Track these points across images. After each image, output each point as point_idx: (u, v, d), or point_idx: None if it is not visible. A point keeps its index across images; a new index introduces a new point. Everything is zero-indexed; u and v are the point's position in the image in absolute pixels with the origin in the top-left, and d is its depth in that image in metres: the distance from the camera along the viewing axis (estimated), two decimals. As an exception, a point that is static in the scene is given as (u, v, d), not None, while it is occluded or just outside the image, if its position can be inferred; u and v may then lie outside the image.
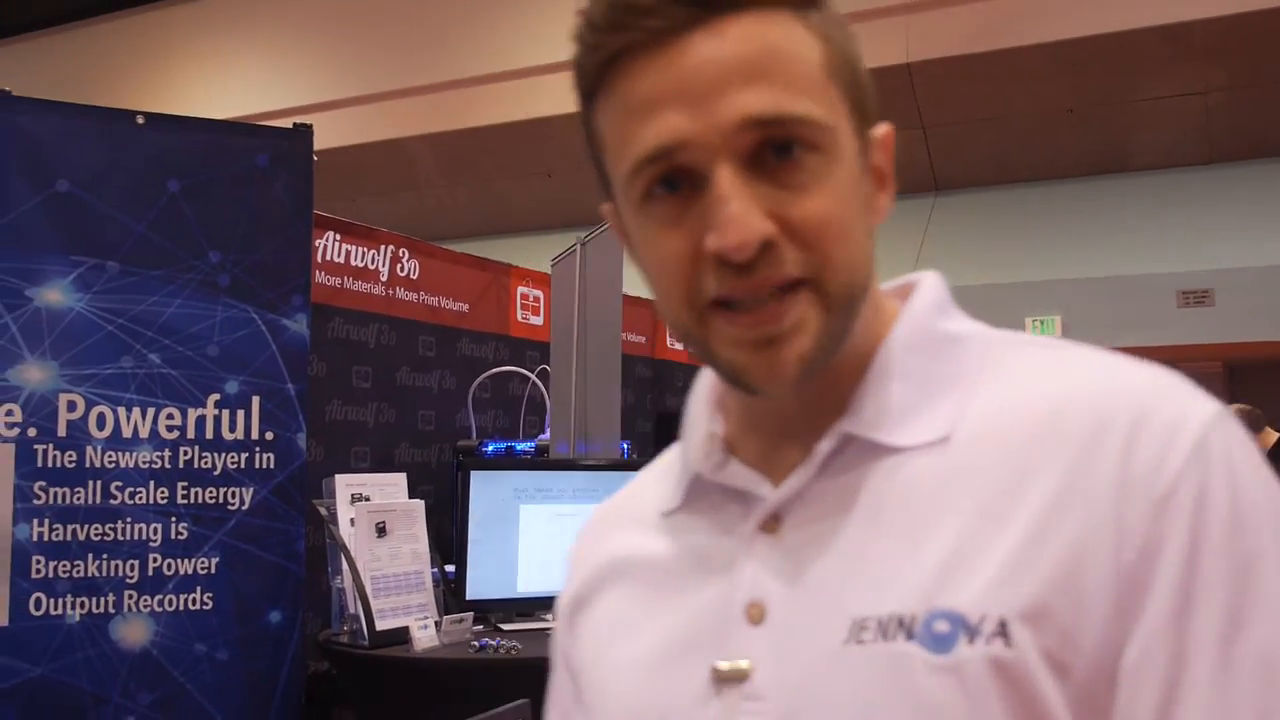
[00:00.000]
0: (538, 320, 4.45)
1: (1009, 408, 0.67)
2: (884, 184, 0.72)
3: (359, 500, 2.64)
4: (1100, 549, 0.61)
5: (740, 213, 0.63)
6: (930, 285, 0.76)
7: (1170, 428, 0.62)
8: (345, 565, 2.56)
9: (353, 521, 2.60)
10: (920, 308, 0.73)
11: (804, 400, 0.71)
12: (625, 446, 3.82)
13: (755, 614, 0.68)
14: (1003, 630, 0.60)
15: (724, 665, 0.68)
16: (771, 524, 0.70)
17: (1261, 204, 8.12)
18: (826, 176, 0.65)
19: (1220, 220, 8.11)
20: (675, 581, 0.74)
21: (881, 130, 0.71)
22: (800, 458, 0.70)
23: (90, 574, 2.42)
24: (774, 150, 0.64)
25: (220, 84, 8.71)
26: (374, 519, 2.59)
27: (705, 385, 0.79)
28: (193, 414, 2.55)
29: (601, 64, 0.66)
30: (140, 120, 2.59)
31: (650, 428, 5.26)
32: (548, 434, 3.70)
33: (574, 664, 0.81)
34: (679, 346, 5.77)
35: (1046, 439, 0.64)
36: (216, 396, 2.58)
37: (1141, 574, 0.60)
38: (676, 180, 0.65)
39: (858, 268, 0.67)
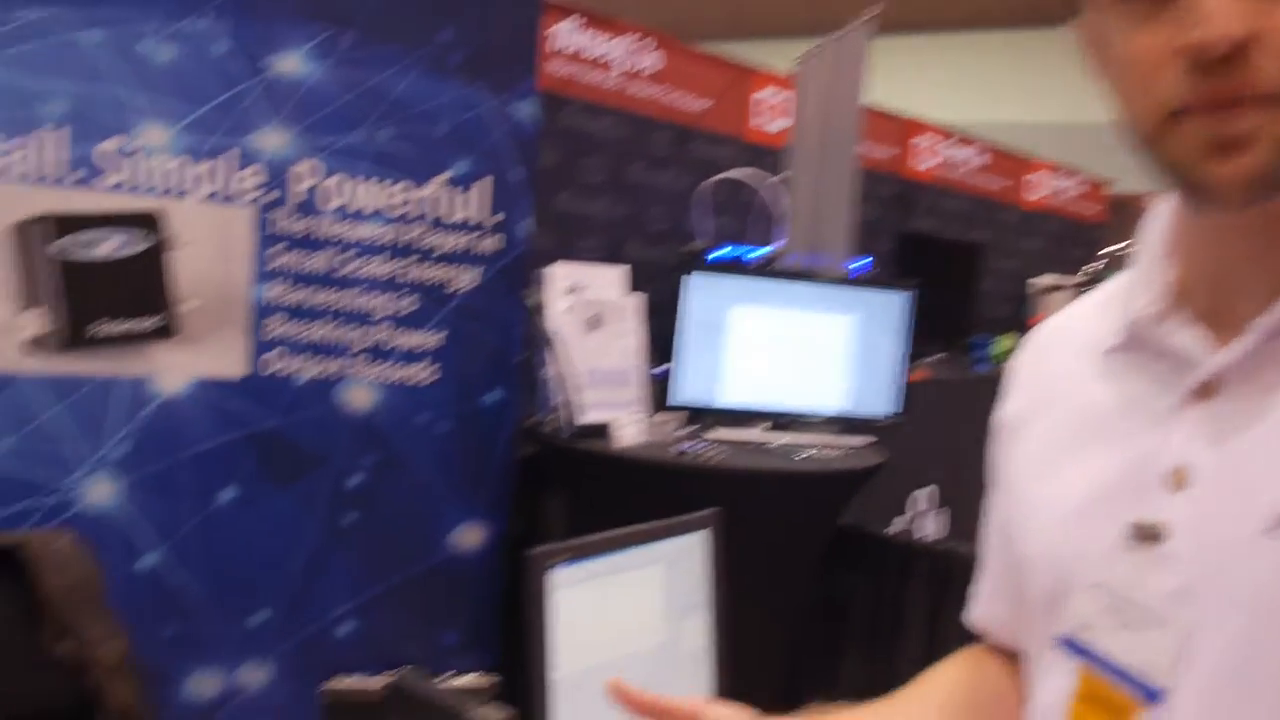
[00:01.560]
0: (776, 126, 4.27)
1: None
2: None
3: (574, 291, 2.62)
4: None
5: (1219, 7, 0.60)
6: None
7: None
8: (554, 355, 2.57)
9: (568, 311, 2.60)
10: None
11: (1260, 246, 0.67)
12: (869, 263, 3.69)
13: (1178, 479, 0.69)
14: None
15: (1145, 520, 0.69)
16: (1207, 390, 0.69)
17: None
18: None
19: None
20: (1103, 429, 0.75)
21: None
22: (1251, 313, 0.67)
23: (320, 339, 2.52)
24: None
25: None
26: (587, 311, 2.58)
27: (1160, 223, 0.76)
28: (422, 191, 2.58)
29: None
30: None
31: (895, 246, 5.06)
32: (777, 243, 3.59)
33: (1004, 485, 0.85)
34: (927, 165, 5.48)
35: None
36: (445, 176, 2.59)
37: None
38: None
39: None
